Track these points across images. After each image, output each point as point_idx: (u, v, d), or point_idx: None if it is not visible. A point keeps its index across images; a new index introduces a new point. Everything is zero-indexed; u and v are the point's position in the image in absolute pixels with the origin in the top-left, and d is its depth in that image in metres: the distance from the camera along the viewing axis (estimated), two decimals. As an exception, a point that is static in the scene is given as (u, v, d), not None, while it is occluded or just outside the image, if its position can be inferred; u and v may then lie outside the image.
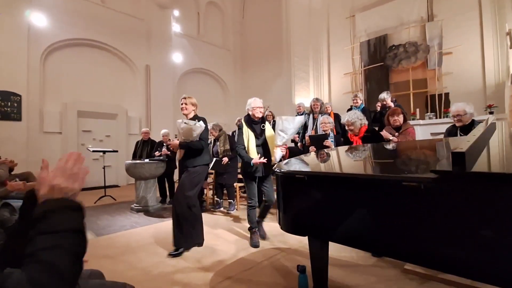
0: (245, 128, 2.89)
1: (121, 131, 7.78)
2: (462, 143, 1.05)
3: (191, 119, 2.76)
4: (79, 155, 0.76)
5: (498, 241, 0.73)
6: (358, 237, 1.02)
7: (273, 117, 6.16)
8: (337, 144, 3.45)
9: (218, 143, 4.63)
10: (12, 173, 4.19)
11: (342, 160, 1.73)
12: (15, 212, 2.26)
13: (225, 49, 10.81)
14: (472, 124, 2.63)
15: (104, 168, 5.74)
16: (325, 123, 3.62)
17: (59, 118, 6.82)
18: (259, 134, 2.90)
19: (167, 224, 3.71)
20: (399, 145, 2.06)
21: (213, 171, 4.67)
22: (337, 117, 4.91)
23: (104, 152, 5.63)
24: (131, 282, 2.16)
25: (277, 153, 2.86)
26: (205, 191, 4.81)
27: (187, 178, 2.74)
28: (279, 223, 1.29)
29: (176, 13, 9.30)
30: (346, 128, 2.98)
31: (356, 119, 2.84)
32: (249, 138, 2.85)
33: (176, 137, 3.10)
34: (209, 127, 4.62)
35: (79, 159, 0.74)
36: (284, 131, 2.79)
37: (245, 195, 5.01)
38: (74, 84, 7.12)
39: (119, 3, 7.93)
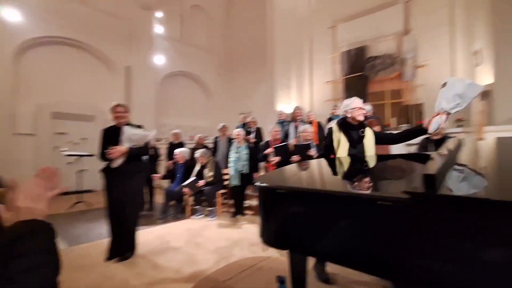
0: (337, 134, 2.33)
1: (99, 134, 7.50)
2: (434, 163, 1.13)
3: (132, 125, 2.82)
4: (55, 171, 0.74)
5: (463, 260, 0.79)
6: (335, 253, 1.05)
7: (256, 124, 6.18)
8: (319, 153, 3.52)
9: (205, 169, 4.69)
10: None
11: (323, 173, 1.78)
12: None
13: (209, 53, 10.78)
14: (444, 138, 2.80)
15: (79, 172, 5.51)
16: (306, 132, 3.69)
17: (32, 119, 6.48)
18: (357, 141, 2.30)
19: (147, 233, 3.61)
20: (378, 159, 2.15)
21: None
22: (320, 126, 5.01)
23: (79, 156, 5.40)
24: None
25: (439, 120, 2.02)
26: (185, 197, 4.74)
27: (137, 183, 2.83)
28: (261, 236, 1.30)
29: (159, 14, 9.17)
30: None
31: None
32: (339, 147, 2.29)
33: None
34: (196, 154, 4.78)
35: (54, 175, 0.73)
36: (464, 97, 1.95)
37: (226, 201, 5.00)
38: (49, 84, 6.80)
39: (100, 2, 7.70)
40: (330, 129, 2.41)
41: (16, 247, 0.58)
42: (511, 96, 4.50)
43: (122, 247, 2.78)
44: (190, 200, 4.72)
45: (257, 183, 1.31)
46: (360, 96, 6.95)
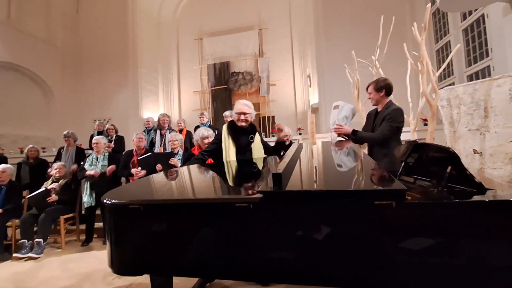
0: (225, 137, 2.25)
1: None
2: (281, 162, 1.28)
3: None
4: None
5: (314, 247, 0.90)
6: (205, 266, 1.00)
7: (116, 132, 5.41)
8: (186, 161, 3.42)
9: (57, 183, 3.78)
10: None
11: (186, 182, 1.70)
12: None
13: (50, 45, 8.53)
14: (291, 143, 3.35)
15: None
16: (173, 141, 3.52)
17: None
18: (244, 147, 2.25)
19: None
20: (241, 163, 2.28)
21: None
22: (188, 135, 4.92)
23: None
24: None
25: (333, 135, 2.31)
26: (10, 231, 3.48)
27: None
28: (111, 265, 1.08)
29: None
30: (205, 141, 2.85)
31: (212, 135, 2.91)
32: (228, 151, 2.22)
33: None
34: (55, 165, 3.84)
35: None
36: (347, 119, 2.24)
37: (73, 227, 4.01)
38: None
39: None
40: (220, 131, 2.35)
41: None
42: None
43: None
44: (17, 233, 3.49)
45: (105, 200, 1.08)
46: (226, 107, 7.47)
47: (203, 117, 5.19)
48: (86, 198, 3.69)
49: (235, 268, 0.98)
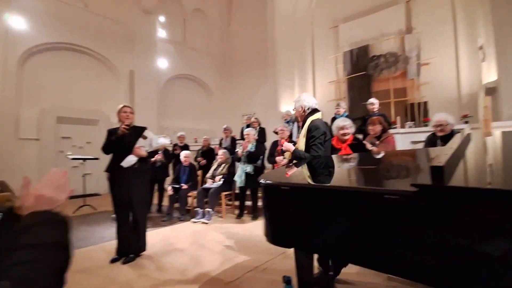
0: None
1: (103, 138, 7.51)
2: (441, 155, 1.09)
3: (134, 127, 2.88)
4: (65, 173, 0.75)
5: (468, 252, 0.75)
6: (341, 249, 1.03)
7: (259, 124, 6.16)
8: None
9: (220, 167, 4.87)
10: (-16, 182, 3.96)
11: (330, 171, 1.75)
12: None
13: (210, 55, 10.81)
14: (452, 134, 2.74)
15: (84, 176, 5.53)
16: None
17: (36, 124, 6.54)
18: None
19: (153, 234, 3.59)
20: (384, 155, 2.11)
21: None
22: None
23: (84, 159, 5.43)
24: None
25: None
26: (189, 199, 4.72)
27: (144, 183, 2.89)
28: (265, 234, 1.28)
29: (161, 19, 9.26)
30: (341, 132, 2.86)
31: (349, 126, 2.86)
32: None
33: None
34: (219, 152, 4.99)
35: (65, 175, 0.73)
36: None
37: (231, 203, 4.98)
38: (54, 89, 6.87)
39: (102, 8, 7.78)
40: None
41: (22, 237, 0.56)
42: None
43: (130, 247, 2.77)
44: (194, 202, 4.71)
45: (261, 181, 1.29)
46: (364, 95, 6.93)
47: (339, 108, 5.06)
48: (238, 178, 4.46)
49: (372, 258, 0.95)
